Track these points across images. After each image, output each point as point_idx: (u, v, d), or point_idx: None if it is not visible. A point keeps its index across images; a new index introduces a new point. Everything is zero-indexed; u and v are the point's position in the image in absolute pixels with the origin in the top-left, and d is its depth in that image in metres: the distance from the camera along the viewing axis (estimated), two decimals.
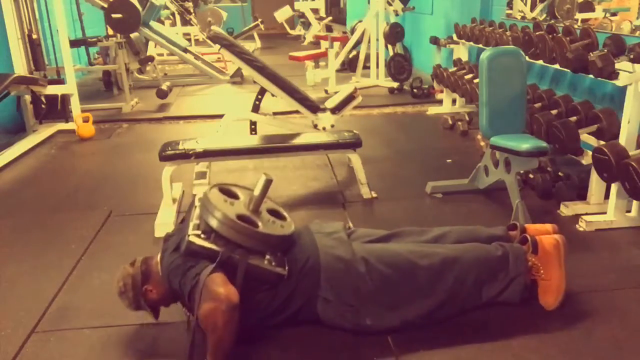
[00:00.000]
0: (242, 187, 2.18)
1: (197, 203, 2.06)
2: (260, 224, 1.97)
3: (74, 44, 6.17)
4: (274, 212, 2.12)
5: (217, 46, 3.77)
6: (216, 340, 1.80)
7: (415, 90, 6.14)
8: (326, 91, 6.35)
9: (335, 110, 3.89)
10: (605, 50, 2.93)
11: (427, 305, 2.02)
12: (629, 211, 2.92)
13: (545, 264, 2.14)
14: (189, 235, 1.90)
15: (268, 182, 2.02)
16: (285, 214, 2.17)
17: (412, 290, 2.02)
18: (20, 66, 4.98)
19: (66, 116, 5.16)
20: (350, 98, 3.91)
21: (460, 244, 2.19)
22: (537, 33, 3.70)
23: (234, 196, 2.09)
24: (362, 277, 1.99)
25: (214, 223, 1.90)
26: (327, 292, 1.98)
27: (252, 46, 10.27)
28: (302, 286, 1.98)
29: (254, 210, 2.02)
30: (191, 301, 1.88)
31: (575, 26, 3.66)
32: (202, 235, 1.90)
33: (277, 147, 3.35)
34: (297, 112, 4.06)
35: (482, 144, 3.88)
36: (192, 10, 10.04)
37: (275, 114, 4.05)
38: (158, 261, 2.06)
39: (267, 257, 1.93)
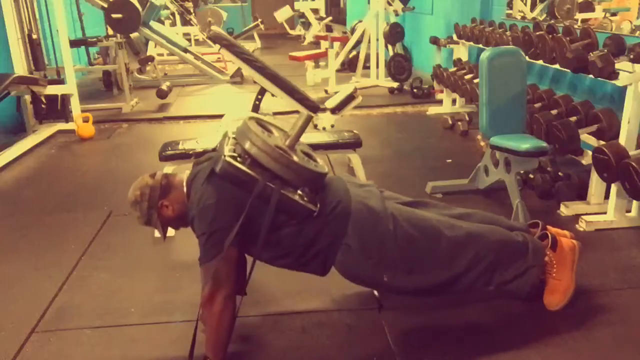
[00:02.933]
0: (277, 126, 2.12)
1: (230, 135, 1.98)
2: (295, 158, 1.91)
3: (74, 44, 6.17)
4: (307, 155, 2.07)
5: (217, 46, 3.76)
6: (213, 328, 1.82)
7: (415, 90, 6.14)
8: (326, 91, 6.34)
9: (335, 110, 3.89)
10: (605, 50, 2.93)
11: (443, 276, 2.00)
12: (629, 211, 2.92)
13: (560, 263, 2.14)
14: (225, 156, 1.83)
15: (308, 118, 1.96)
16: (318, 158, 2.10)
17: (432, 258, 2.00)
18: (20, 66, 4.98)
19: (66, 116, 5.16)
20: (350, 98, 3.91)
21: (484, 224, 2.16)
22: (537, 33, 3.70)
23: (269, 131, 2.03)
24: (389, 233, 1.95)
25: (252, 149, 1.83)
26: (352, 239, 1.93)
27: (252, 46, 10.26)
28: (329, 228, 1.92)
29: (290, 146, 1.97)
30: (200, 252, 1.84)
31: (575, 26, 3.66)
32: (239, 159, 1.84)
33: None
34: (297, 112, 4.05)
35: (482, 144, 3.88)
36: (192, 10, 10.05)
37: (275, 114, 4.05)
38: (184, 181, 1.97)
39: (299, 192, 1.89)
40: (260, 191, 1.81)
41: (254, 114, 2.06)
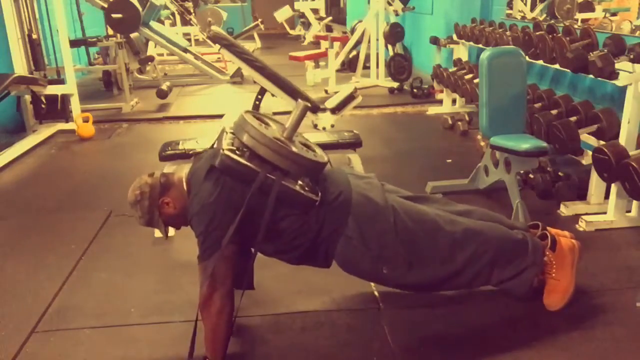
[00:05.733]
0: (274, 119, 2.11)
1: (227, 130, 1.97)
2: (294, 148, 1.89)
3: (74, 44, 6.17)
4: (305, 145, 2.05)
5: (217, 46, 3.77)
6: (211, 327, 1.82)
7: (415, 90, 6.14)
8: (326, 91, 6.34)
9: (335, 110, 3.89)
10: (605, 50, 2.93)
11: (441, 271, 2.00)
12: (629, 211, 2.92)
13: (559, 263, 2.14)
14: (223, 150, 1.82)
15: (305, 108, 1.94)
16: (317, 148, 2.08)
17: (431, 253, 1.99)
18: (20, 66, 4.98)
19: (66, 116, 5.16)
20: (350, 98, 3.91)
21: (484, 222, 2.15)
22: (537, 33, 3.70)
23: (267, 124, 2.02)
24: (389, 225, 1.94)
25: (250, 141, 1.82)
26: (352, 231, 1.92)
27: (252, 46, 10.26)
28: (330, 219, 1.91)
29: (288, 137, 1.96)
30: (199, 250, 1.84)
31: (575, 26, 3.66)
32: (237, 152, 1.83)
33: None
34: None
35: (482, 144, 3.88)
36: (192, 10, 10.04)
37: (275, 114, 4.04)
38: (183, 179, 1.96)
39: (300, 182, 1.88)
40: (260, 183, 1.81)
41: (253, 111, 2.03)
